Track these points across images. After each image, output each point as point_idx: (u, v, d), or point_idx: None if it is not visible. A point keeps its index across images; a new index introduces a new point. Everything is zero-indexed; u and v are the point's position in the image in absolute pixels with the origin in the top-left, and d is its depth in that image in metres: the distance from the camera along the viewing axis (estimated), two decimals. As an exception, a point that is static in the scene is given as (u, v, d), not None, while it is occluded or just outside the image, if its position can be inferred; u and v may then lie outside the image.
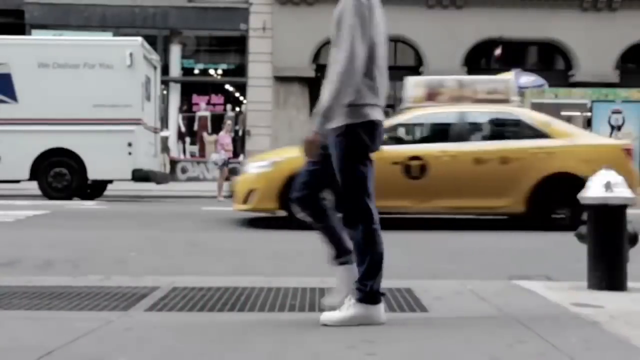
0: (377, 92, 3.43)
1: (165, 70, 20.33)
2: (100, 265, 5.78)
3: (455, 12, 21.77)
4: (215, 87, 23.31)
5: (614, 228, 4.24)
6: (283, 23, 21.72)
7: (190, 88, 23.26)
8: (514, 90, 10.01)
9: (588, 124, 16.43)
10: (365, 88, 3.37)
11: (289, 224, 8.21)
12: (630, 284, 4.28)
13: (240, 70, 22.80)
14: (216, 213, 11.25)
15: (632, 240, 4.31)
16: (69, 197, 14.20)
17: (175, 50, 22.78)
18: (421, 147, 9.00)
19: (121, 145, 14.33)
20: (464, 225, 9.66)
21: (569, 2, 21.82)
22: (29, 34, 21.07)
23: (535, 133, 9.02)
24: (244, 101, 23.25)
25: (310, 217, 3.59)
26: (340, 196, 3.44)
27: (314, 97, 22.25)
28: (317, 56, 22.04)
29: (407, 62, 22.30)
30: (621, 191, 4.23)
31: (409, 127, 9.74)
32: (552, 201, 8.68)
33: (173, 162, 21.67)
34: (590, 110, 16.40)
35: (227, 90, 23.41)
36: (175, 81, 22.91)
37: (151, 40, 17.70)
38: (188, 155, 23.03)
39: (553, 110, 16.32)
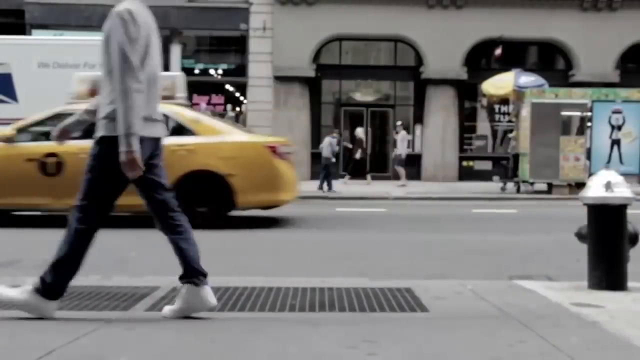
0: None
1: (165, 70, 20.24)
2: (100, 265, 5.77)
3: (455, 12, 21.77)
4: (216, 87, 23.28)
5: (614, 228, 4.24)
6: (283, 23, 21.73)
7: (191, 88, 23.18)
8: (182, 87, 10.06)
9: (588, 122, 16.46)
10: None
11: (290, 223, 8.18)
12: (630, 283, 4.28)
13: (240, 70, 22.79)
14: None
15: (632, 240, 4.31)
16: (67, 197, 14.18)
17: (175, 50, 22.74)
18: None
19: None
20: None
21: (569, 2, 21.82)
22: (29, 34, 21.06)
23: (183, 130, 8.99)
24: (244, 101, 23.26)
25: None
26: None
27: (314, 97, 22.30)
28: (317, 56, 22.05)
29: (407, 62, 22.24)
30: (621, 191, 4.23)
31: (47, 123, 9.26)
32: (195, 197, 8.52)
33: (172, 162, 21.63)
34: (591, 110, 16.42)
35: (227, 90, 23.41)
36: (175, 81, 22.89)
37: (151, 40, 17.67)
38: (188, 155, 23.01)
39: (553, 110, 16.41)
